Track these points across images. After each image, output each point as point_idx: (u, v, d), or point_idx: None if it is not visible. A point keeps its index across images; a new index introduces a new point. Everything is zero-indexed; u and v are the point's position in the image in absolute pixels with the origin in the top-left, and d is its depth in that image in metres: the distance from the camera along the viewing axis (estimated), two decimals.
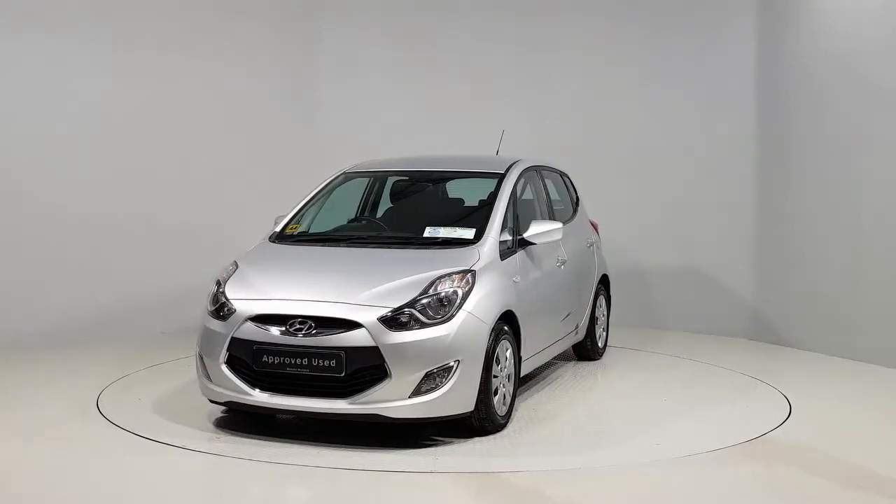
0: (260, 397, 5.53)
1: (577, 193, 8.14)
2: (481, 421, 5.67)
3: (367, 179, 7.31)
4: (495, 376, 5.73)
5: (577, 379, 7.38)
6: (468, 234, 6.17)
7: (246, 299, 5.70)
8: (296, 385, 5.48)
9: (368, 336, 5.35)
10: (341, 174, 7.25)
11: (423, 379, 5.36)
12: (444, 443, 5.58)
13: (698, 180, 9.48)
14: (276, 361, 5.46)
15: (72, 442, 5.63)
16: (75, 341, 8.42)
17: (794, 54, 8.79)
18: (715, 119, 9.46)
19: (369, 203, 7.27)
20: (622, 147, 9.66)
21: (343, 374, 5.36)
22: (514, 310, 6.01)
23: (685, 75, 9.56)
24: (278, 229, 6.66)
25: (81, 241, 8.76)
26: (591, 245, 7.98)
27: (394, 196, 7.24)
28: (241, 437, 5.64)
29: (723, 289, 9.48)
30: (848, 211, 8.15)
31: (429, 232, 6.33)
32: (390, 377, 5.32)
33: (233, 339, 5.60)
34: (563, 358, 7.88)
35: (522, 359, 6.23)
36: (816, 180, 8.49)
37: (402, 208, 7.13)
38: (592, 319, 7.88)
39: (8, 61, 8.45)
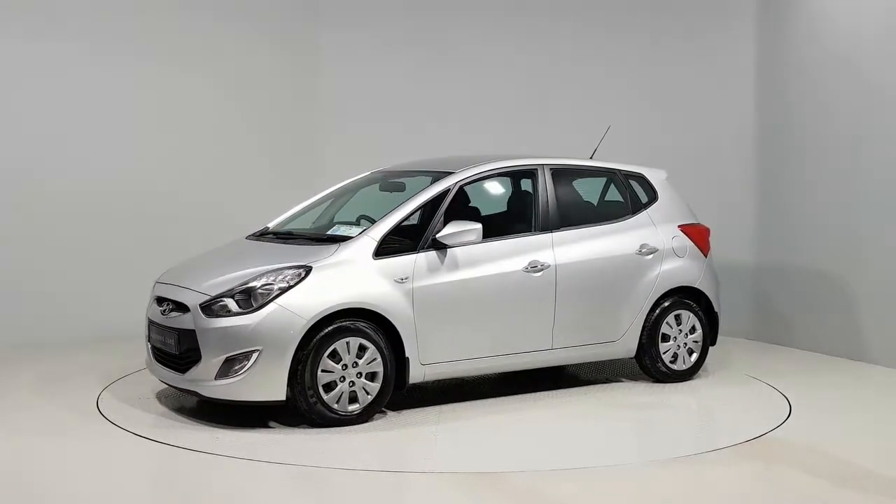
0: (151, 367, 6.35)
1: (656, 195, 7.53)
2: (306, 413, 5.79)
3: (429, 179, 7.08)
4: (326, 371, 5.77)
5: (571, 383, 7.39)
6: (354, 231, 6.31)
7: (159, 283, 6.47)
8: (162, 359, 6.20)
9: (192, 320, 5.84)
10: (365, 175, 7.37)
11: (224, 363, 5.72)
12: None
13: (698, 180, 9.47)
14: (154, 337, 6.27)
15: (72, 441, 5.63)
16: (75, 341, 8.42)
17: (794, 54, 8.79)
18: (715, 119, 9.46)
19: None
20: (621, 147, 9.63)
21: (177, 352, 5.97)
22: (377, 309, 5.93)
23: (685, 75, 9.56)
24: (271, 226, 7.00)
25: (82, 242, 8.77)
26: (651, 252, 7.15)
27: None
28: (241, 436, 5.65)
29: (723, 289, 9.45)
30: (848, 210, 8.16)
31: (332, 230, 6.59)
32: (201, 359, 5.77)
33: (148, 317, 6.40)
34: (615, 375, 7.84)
35: (421, 361, 6.10)
36: (816, 180, 8.50)
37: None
38: (655, 336, 7.15)
39: (13, 62, 8.48)
